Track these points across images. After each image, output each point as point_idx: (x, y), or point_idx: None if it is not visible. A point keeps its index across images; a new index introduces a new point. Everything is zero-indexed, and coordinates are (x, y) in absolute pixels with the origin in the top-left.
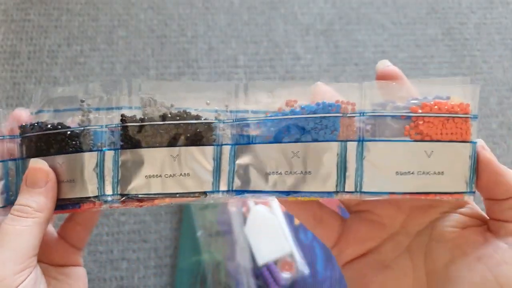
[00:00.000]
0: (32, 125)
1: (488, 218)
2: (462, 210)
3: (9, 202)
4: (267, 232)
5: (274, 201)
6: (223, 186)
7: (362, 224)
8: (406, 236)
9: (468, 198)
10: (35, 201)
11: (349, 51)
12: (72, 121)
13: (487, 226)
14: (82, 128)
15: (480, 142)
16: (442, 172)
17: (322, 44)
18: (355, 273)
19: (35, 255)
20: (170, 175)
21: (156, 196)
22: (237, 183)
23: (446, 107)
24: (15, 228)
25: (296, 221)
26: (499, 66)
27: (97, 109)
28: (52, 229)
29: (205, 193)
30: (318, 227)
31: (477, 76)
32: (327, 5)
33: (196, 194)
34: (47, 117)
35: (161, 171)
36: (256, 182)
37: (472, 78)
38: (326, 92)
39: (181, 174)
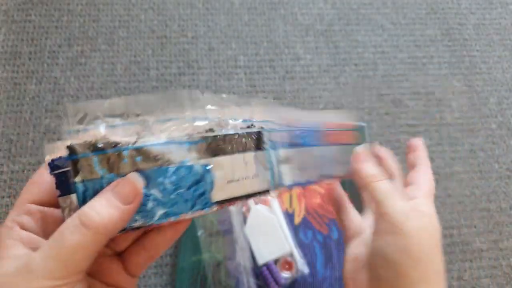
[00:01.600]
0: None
1: None
2: None
3: None
4: (267, 231)
5: (274, 201)
6: (277, 183)
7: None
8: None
9: None
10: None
11: (348, 52)
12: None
13: None
14: (168, 141)
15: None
16: (348, 162)
17: (322, 45)
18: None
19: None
20: (245, 178)
21: (238, 198)
22: (285, 179)
23: (341, 125)
24: None
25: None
26: (498, 66)
27: (169, 119)
28: (108, 251)
29: (268, 190)
30: (345, 219)
31: (476, 76)
32: (327, 6)
33: (262, 193)
34: (103, 133)
35: (238, 175)
36: (297, 174)
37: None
38: (366, 160)
39: (252, 177)
